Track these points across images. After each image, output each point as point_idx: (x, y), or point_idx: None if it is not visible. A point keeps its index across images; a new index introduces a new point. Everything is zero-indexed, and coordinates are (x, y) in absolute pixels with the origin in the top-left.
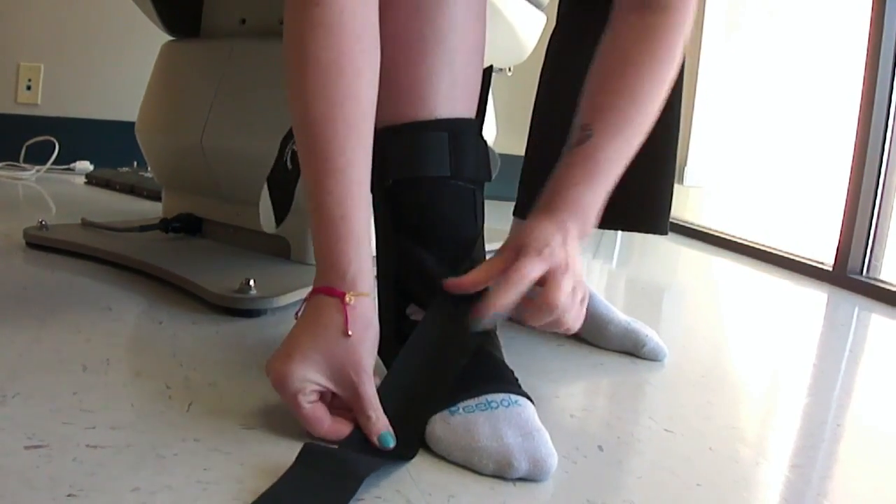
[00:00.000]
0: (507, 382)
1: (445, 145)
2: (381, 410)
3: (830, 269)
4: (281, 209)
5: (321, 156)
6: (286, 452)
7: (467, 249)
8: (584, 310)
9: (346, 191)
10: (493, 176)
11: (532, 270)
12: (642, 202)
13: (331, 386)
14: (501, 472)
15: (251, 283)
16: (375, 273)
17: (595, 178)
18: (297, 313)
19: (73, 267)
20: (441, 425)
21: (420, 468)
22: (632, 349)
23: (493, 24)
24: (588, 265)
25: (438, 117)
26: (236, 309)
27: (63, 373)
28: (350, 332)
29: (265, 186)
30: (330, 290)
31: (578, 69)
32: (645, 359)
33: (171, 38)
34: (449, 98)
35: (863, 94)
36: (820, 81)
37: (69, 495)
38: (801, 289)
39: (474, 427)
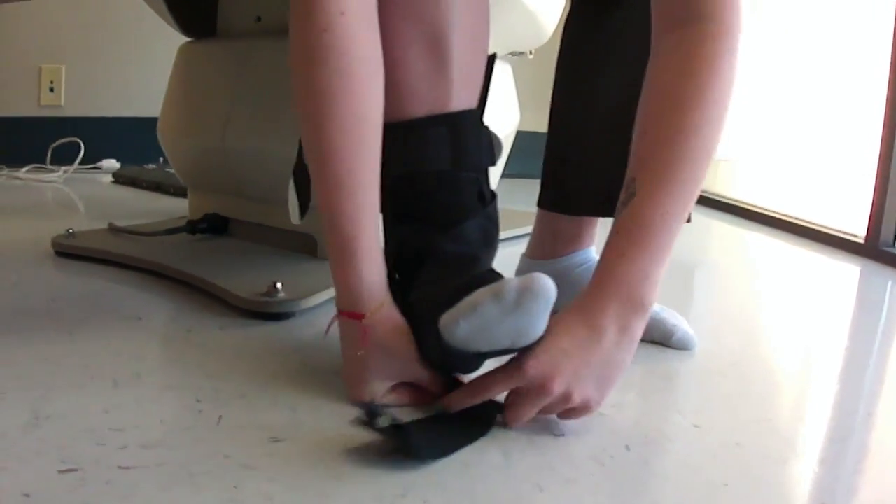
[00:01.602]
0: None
1: (445, 141)
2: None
3: (863, 241)
4: (304, 201)
5: (334, 179)
6: (315, 465)
7: (466, 231)
8: (581, 408)
9: (358, 211)
10: (497, 159)
11: (493, 389)
12: None
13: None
14: (497, 297)
15: (278, 286)
16: None
17: (642, 243)
18: (327, 330)
19: (101, 274)
20: (448, 312)
21: (448, 478)
22: (660, 339)
23: (511, 10)
24: None
25: (437, 113)
26: (264, 313)
27: (94, 389)
28: (359, 352)
29: (291, 179)
30: (351, 314)
31: (593, 53)
32: (674, 348)
33: (187, 39)
34: (448, 93)
35: (892, 63)
36: (850, 50)
37: None
38: (833, 262)
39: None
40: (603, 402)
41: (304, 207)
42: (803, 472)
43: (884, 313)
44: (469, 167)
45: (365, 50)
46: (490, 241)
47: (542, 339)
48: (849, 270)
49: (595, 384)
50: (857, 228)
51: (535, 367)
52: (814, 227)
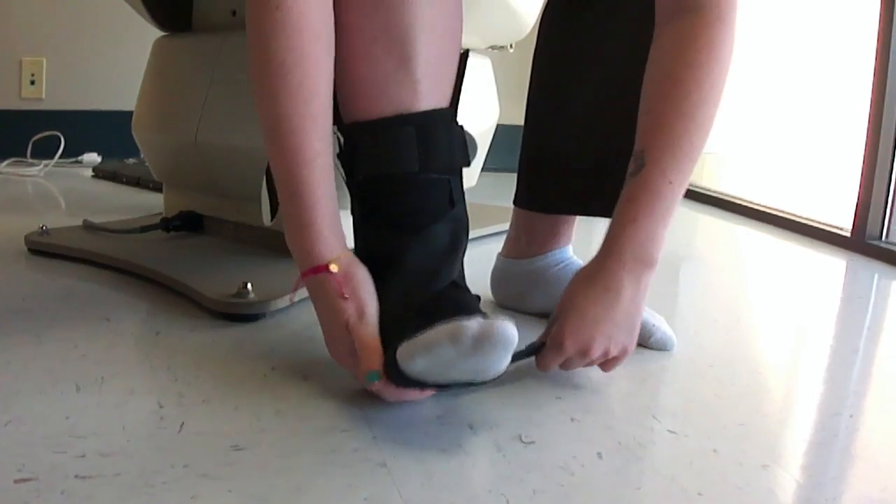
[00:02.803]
0: (473, 310)
1: (413, 141)
2: (378, 352)
3: (849, 234)
4: (276, 202)
5: (292, 149)
6: (276, 475)
7: (433, 234)
8: (613, 362)
9: (317, 178)
10: (472, 159)
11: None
12: None
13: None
14: (454, 338)
15: (249, 286)
16: None
17: (651, 209)
18: (293, 297)
19: (74, 273)
20: (408, 341)
21: (412, 489)
22: (639, 340)
23: (490, 3)
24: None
25: (406, 112)
26: (234, 314)
27: (57, 394)
28: (346, 295)
29: (264, 179)
30: (316, 269)
31: (570, 49)
32: (653, 349)
33: (162, 33)
34: (417, 92)
35: (877, 57)
36: (836, 43)
37: None
38: (820, 255)
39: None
40: (635, 343)
41: (275, 208)
42: (782, 479)
43: (870, 307)
44: (438, 169)
45: (316, 26)
46: (457, 244)
47: (570, 314)
48: (835, 264)
49: (625, 335)
50: (843, 222)
51: (573, 343)
52: (800, 220)
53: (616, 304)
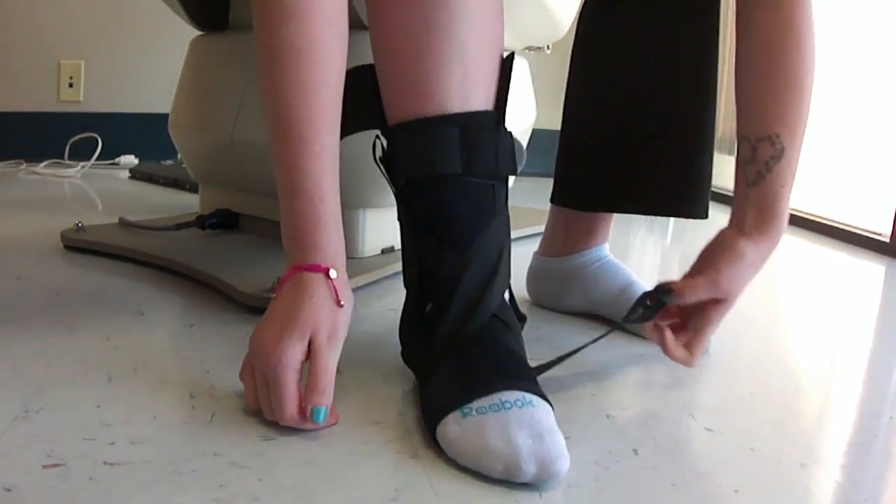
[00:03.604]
0: (523, 380)
1: (456, 142)
2: (331, 386)
3: (888, 240)
4: None
5: (297, 140)
6: (305, 465)
7: (483, 248)
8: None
9: (323, 174)
10: (520, 168)
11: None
12: (680, 186)
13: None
14: (509, 475)
15: None
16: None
17: (791, 182)
18: (274, 292)
19: (109, 268)
20: (453, 427)
21: (444, 480)
22: None
23: (527, 3)
24: (642, 242)
25: (448, 112)
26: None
27: (88, 384)
28: (342, 303)
29: None
30: (315, 266)
31: (607, 45)
32: None
33: (199, 32)
34: (460, 91)
35: None
36: (875, 40)
37: None
38: (857, 261)
39: (485, 428)
40: None
41: None
42: (820, 478)
43: None
44: (483, 173)
45: (327, 10)
46: (501, 258)
47: (741, 280)
48: (873, 269)
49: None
50: (882, 227)
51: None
52: (837, 225)
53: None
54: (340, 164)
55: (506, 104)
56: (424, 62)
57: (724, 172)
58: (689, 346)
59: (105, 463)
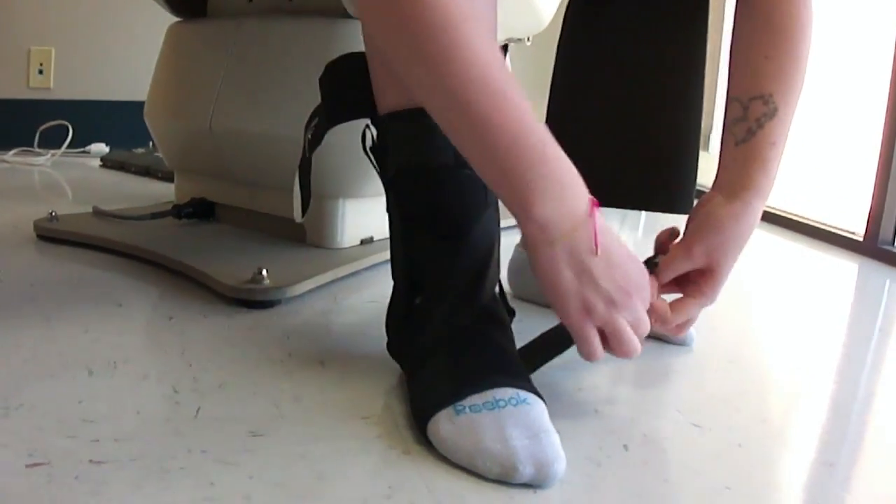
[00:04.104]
0: (516, 377)
1: None
2: None
3: (861, 239)
4: (306, 198)
5: (511, 94)
6: (296, 462)
7: (475, 240)
8: None
9: (533, 122)
10: None
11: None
12: (664, 181)
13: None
14: (506, 477)
15: (264, 272)
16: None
17: (783, 148)
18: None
19: (83, 259)
20: (447, 425)
21: (437, 477)
22: (659, 335)
23: None
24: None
25: None
26: (249, 300)
27: (68, 378)
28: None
29: (296, 175)
30: (594, 202)
31: (594, 38)
32: (672, 343)
33: (177, 19)
34: None
35: (895, 58)
36: (852, 41)
37: None
38: (831, 259)
39: (479, 428)
40: None
41: (306, 204)
42: (810, 476)
43: (881, 312)
44: None
45: None
46: (491, 251)
47: (732, 250)
48: (847, 267)
49: None
50: (855, 226)
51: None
52: (811, 223)
53: (749, 236)
54: (318, 153)
55: None
56: None
57: (709, 169)
58: (674, 313)
59: (90, 461)
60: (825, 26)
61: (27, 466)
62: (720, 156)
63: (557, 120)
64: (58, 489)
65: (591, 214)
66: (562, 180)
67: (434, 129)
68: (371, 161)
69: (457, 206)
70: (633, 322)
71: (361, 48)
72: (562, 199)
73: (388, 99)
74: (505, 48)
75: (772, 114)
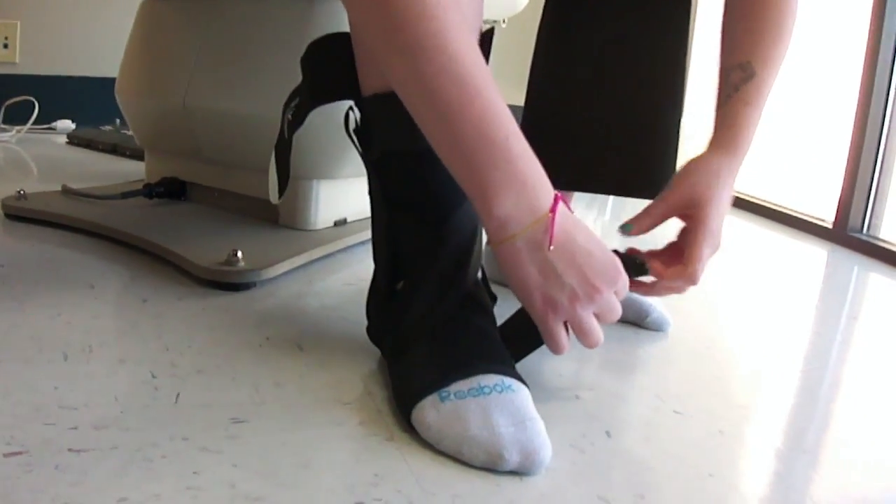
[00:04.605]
0: (500, 363)
1: None
2: None
3: (830, 226)
4: (283, 180)
5: (483, 86)
6: (280, 449)
7: (459, 225)
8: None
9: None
10: None
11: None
12: (645, 167)
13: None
14: (492, 464)
15: (238, 254)
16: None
17: (760, 112)
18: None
19: (53, 239)
20: (431, 412)
21: (422, 463)
22: (635, 319)
23: None
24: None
25: None
26: (224, 283)
27: (43, 363)
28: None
29: (272, 156)
30: (558, 196)
31: (577, 25)
32: (649, 329)
33: None
34: None
35: (867, 48)
36: (823, 32)
37: None
38: (801, 245)
39: (465, 414)
40: None
41: (283, 186)
42: (790, 464)
43: (848, 298)
44: None
45: None
46: (475, 234)
47: (713, 215)
48: (816, 254)
49: None
50: (825, 213)
51: (702, 268)
52: (782, 209)
53: (729, 200)
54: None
55: None
56: None
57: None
58: (684, 267)
59: (70, 450)
60: (798, 16)
61: (5, 455)
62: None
63: (537, 106)
64: (37, 479)
65: (552, 210)
66: (524, 177)
67: None
68: (354, 143)
69: (441, 190)
70: (600, 313)
71: (339, 28)
72: (523, 196)
73: (373, 80)
74: (490, 32)
75: (749, 77)
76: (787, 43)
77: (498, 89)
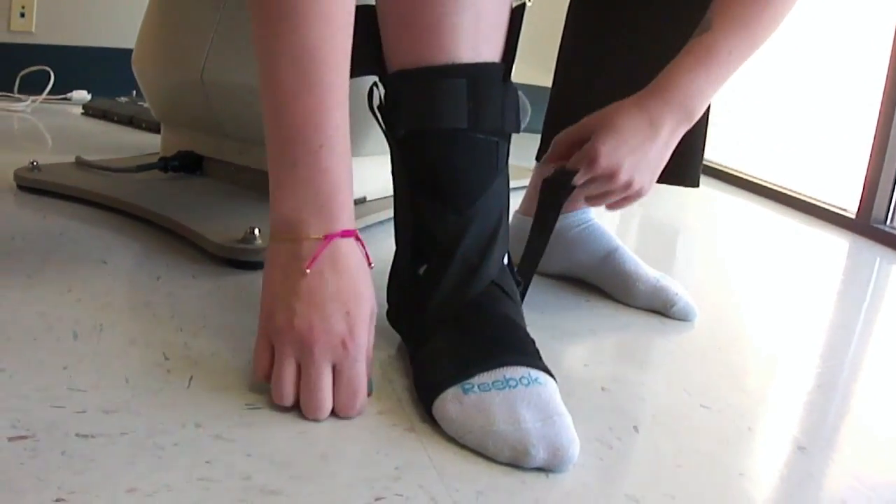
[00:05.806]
0: (527, 355)
1: (464, 93)
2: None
3: (853, 216)
4: None
5: (325, 87)
6: (297, 439)
7: (485, 208)
8: (634, 194)
9: (346, 125)
10: (523, 126)
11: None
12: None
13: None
14: (517, 460)
15: (256, 232)
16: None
17: (707, 66)
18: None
19: (66, 211)
20: (454, 405)
21: (445, 457)
22: (661, 308)
23: None
24: None
25: (458, 62)
26: (240, 261)
27: (52, 342)
28: (372, 264)
29: None
30: (347, 232)
31: (608, 5)
32: (674, 318)
33: None
34: (471, 40)
35: (894, 37)
36: (850, 19)
37: (57, 500)
38: (823, 235)
39: (490, 408)
40: (650, 189)
41: None
42: (820, 464)
43: (870, 291)
44: (489, 129)
45: None
46: (501, 220)
47: (609, 132)
48: (838, 245)
49: (648, 174)
50: (848, 203)
51: (606, 161)
52: (805, 198)
53: (653, 140)
54: None
55: (514, 57)
56: (434, 8)
57: (717, 146)
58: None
59: (77, 435)
60: (825, 5)
61: (10, 440)
62: None
63: (566, 87)
64: (42, 465)
65: (326, 239)
66: (319, 191)
67: (447, 90)
68: (378, 121)
69: (468, 171)
70: (316, 379)
71: (364, 0)
72: (307, 206)
73: (400, 56)
74: (522, 9)
75: (702, 30)
76: (760, 6)
77: (345, 86)
